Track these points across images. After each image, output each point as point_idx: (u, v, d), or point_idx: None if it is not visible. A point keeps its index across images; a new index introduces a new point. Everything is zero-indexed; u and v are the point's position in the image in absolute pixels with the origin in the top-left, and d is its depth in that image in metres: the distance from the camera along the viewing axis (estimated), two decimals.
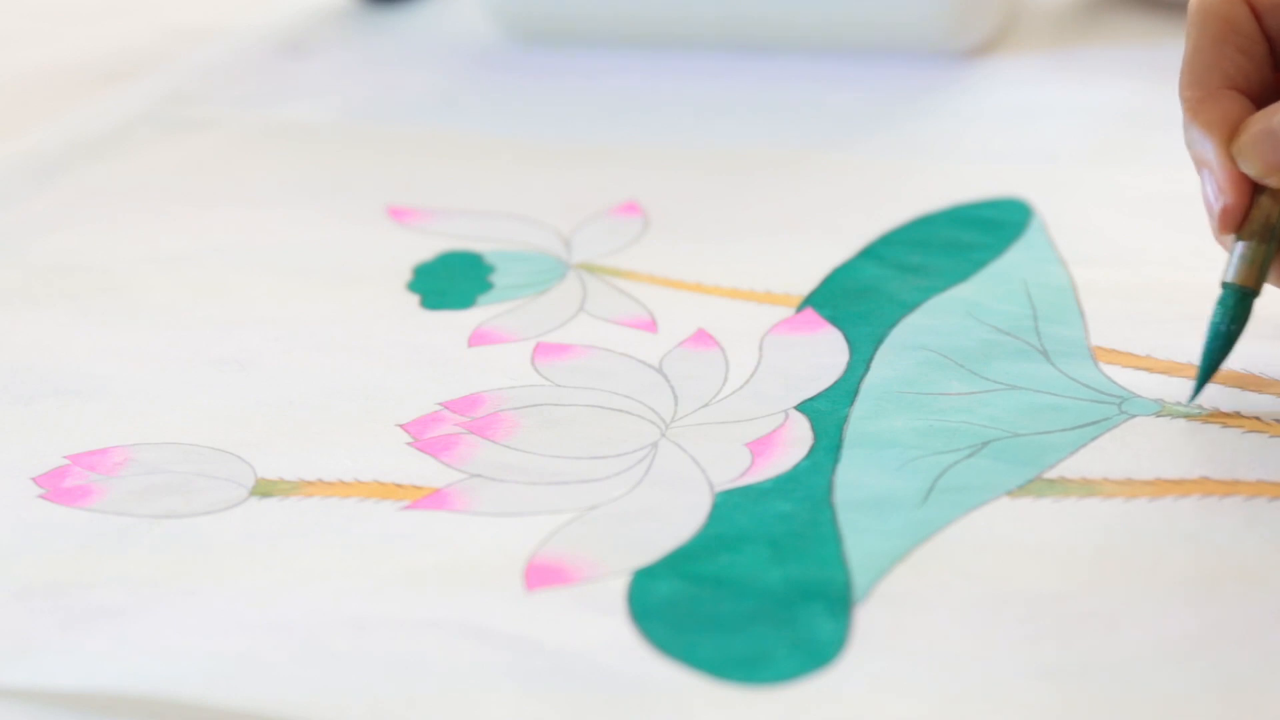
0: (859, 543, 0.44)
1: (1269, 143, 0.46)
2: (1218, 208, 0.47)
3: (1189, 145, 0.47)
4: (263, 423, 0.50)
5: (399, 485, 0.47)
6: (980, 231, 0.58)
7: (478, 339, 0.54)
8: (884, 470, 0.46)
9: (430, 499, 0.46)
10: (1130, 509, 0.44)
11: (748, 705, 0.39)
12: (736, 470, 0.47)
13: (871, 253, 0.58)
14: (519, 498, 0.46)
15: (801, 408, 0.49)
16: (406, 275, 0.59)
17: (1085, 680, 0.39)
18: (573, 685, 0.40)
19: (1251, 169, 0.46)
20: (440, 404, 0.51)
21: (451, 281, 0.58)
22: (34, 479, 0.48)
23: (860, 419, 0.49)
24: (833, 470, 0.46)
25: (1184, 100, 0.48)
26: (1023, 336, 0.52)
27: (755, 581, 0.42)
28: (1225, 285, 0.47)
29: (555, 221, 0.61)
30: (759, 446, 0.48)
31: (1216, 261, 0.51)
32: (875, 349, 0.52)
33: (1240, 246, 0.47)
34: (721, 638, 0.41)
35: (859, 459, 0.47)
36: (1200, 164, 0.47)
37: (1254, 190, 0.47)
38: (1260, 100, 0.47)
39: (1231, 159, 0.46)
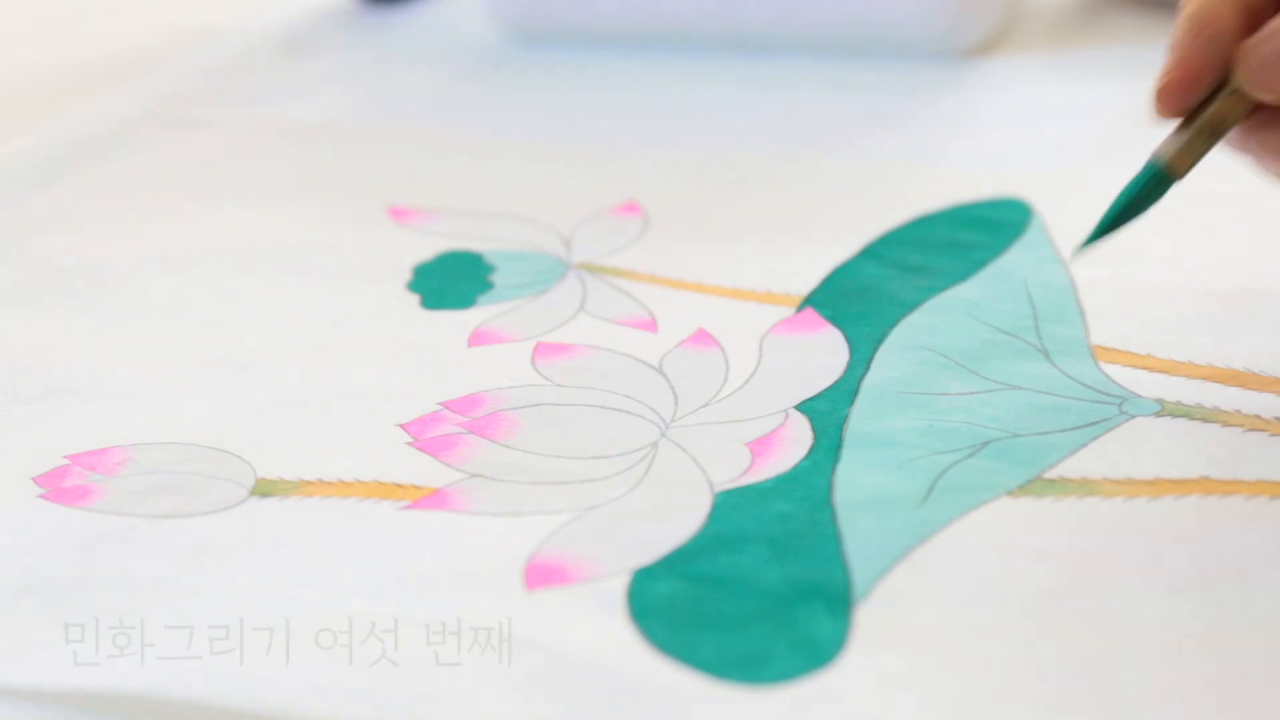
0: (859, 542, 0.44)
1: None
2: (1160, 84, 0.47)
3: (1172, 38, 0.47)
4: (263, 423, 0.50)
5: (399, 485, 0.47)
6: (980, 231, 0.58)
7: (478, 339, 0.54)
8: (884, 470, 0.46)
9: (430, 499, 0.46)
10: (1130, 509, 0.44)
11: (748, 705, 0.39)
12: (736, 470, 0.47)
13: (871, 253, 0.58)
14: (519, 498, 0.46)
15: (801, 407, 0.49)
16: (406, 275, 0.59)
17: (1085, 680, 0.39)
18: (573, 685, 0.40)
19: (1268, 94, 0.46)
20: (440, 404, 0.51)
21: (451, 281, 0.58)
22: (34, 479, 0.48)
23: (860, 419, 0.49)
24: (833, 470, 0.46)
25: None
26: (1023, 336, 0.52)
27: (755, 581, 0.42)
28: (1156, 161, 0.47)
29: (555, 221, 0.61)
30: (759, 446, 0.48)
31: (1216, 261, 0.51)
32: (875, 349, 0.52)
33: (1183, 134, 0.47)
34: (721, 637, 0.41)
35: (859, 459, 0.47)
36: (1170, 49, 0.47)
37: (1203, 85, 0.46)
38: (1245, 10, 0.47)
39: (1192, 50, 0.46)
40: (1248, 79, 0.46)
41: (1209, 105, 0.47)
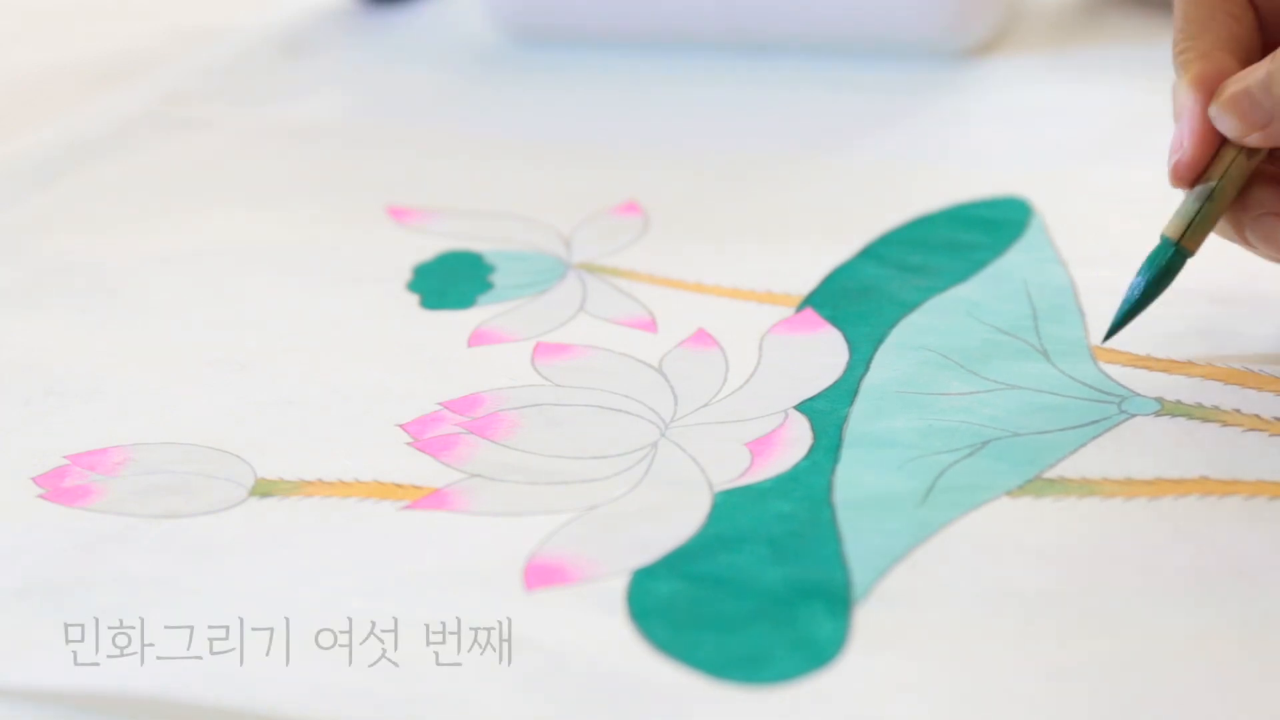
0: (859, 542, 0.44)
1: (1246, 102, 0.46)
2: (1173, 160, 0.48)
3: (1174, 99, 0.48)
4: (263, 423, 0.50)
5: (399, 485, 0.47)
6: (980, 231, 0.58)
7: (478, 339, 0.54)
8: (884, 470, 0.46)
9: (430, 499, 0.46)
10: (1130, 509, 0.44)
11: (747, 705, 0.39)
12: (736, 470, 0.47)
13: (871, 253, 0.58)
14: (519, 498, 0.46)
15: (801, 407, 0.49)
16: (406, 275, 0.59)
17: (1085, 680, 0.39)
18: (573, 685, 0.40)
19: (1228, 129, 0.47)
20: (440, 404, 0.51)
21: (451, 281, 0.58)
22: (34, 479, 0.48)
23: (860, 419, 0.49)
24: (832, 470, 0.46)
25: (1174, 58, 0.48)
26: (1023, 336, 0.52)
27: (755, 581, 0.42)
28: (1162, 238, 0.48)
29: (555, 221, 0.61)
30: (758, 446, 0.48)
31: (1215, 262, 0.51)
32: (875, 349, 0.52)
33: (1184, 203, 0.48)
34: (721, 637, 0.41)
35: (859, 459, 0.47)
36: (1177, 117, 0.48)
37: (1214, 151, 0.48)
38: (1248, 64, 0.48)
39: (1203, 116, 0.47)
40: (1217, 112, 0.47)
41: (1210, 170, 0.48)
